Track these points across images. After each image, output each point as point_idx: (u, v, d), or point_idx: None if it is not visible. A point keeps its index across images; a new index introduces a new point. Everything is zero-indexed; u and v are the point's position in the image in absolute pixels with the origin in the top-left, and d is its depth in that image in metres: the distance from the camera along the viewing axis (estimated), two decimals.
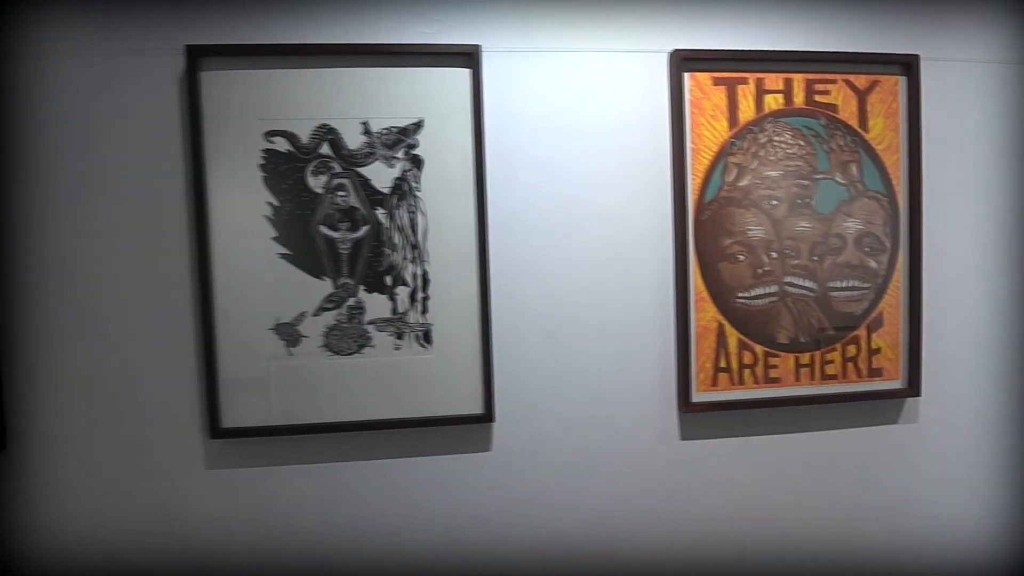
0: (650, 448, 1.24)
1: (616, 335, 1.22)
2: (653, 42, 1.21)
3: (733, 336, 1.24)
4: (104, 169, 1.13)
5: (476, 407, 1.19)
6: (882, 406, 1.29)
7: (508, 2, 1.18)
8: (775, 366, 1.25)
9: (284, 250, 1.15)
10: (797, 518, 1.28)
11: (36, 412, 1.14)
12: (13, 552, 1.14)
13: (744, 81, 1.23)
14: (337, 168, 1.15)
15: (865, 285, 1.27)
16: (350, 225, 1.15)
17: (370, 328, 1.16)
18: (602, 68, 1.20)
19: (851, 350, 1.27)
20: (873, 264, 1.27)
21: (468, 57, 1.15)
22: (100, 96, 1.13)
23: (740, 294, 1.24)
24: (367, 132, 1.15)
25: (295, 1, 1.15)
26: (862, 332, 1.27)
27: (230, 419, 1.14)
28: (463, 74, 1.16)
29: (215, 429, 1.13)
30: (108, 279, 1.14)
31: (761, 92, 1.23)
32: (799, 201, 1.24)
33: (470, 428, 1.20)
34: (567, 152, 1.20)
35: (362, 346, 1.16)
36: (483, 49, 1.16)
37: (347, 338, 1.16)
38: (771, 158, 1.24)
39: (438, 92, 1.16)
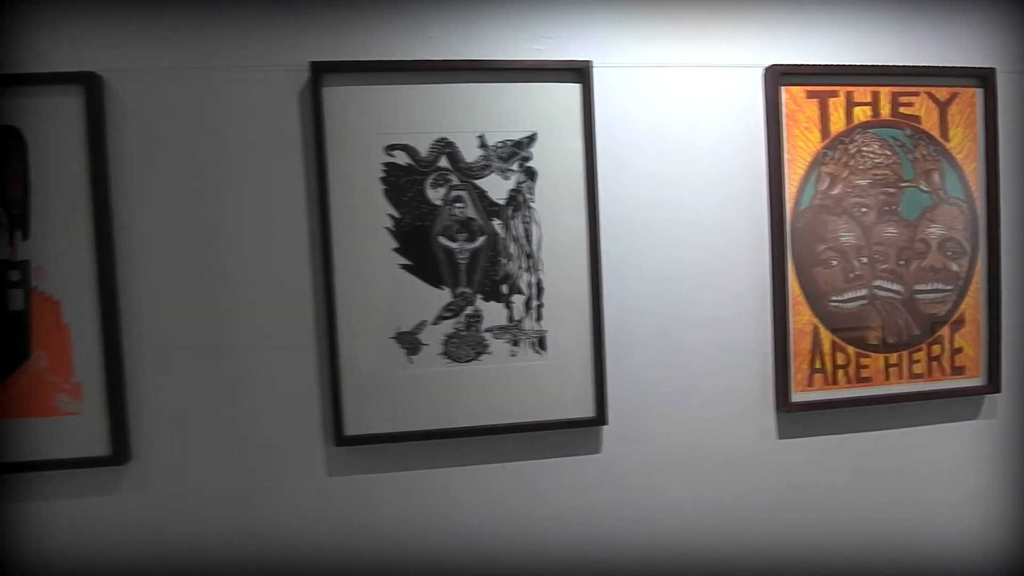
0: (750, 447, 1.29)
1: (716, 338, 1.27)
2: (749, 58, 1.26)
3: (827, 338, 1.29)
4: (228, 183, 1.15)
5: (588, 410, 1.22)
6: (964, 403, 1.35)
7: (615, 20, 1.22)
8: (866, 366, 1.31)
9: (404, 261, 1.18)
10: (889, 513, 1.33)
11: (160, 424, 1.15)
12: (139, 562, 1.15)
13: (835, 94, 1.28)
14: (455, 180, 1.18)
15: (948, 287, 1.33)
16: (468, 236, 1.19)
17: (487, 336, 1.20)
18: (702, 82, 1.25)
19: (935, 350, 1.33)
20: (955, 267, 1.33)
21: (579, 72, 1.19)
22: (223, 111, 1.15)
23: (833, 297, 1.29)
24: (483, 145, 1.19)
25: (411, 18, 1.18)
26: (945, 332, 1.33)
27: (353, 427, 1.17)
28: (574, 89, 1.20)
29: (339, 437, 1.16)
30: (233, 290, 1.16)
31: (851, 105, 1.29)
32: (886, 208, 1.30)
33: (581, 431, 1.23)
34: (670, 162, 1.24)
35: (479, 353, 1.20)
36: (593, 65, 1.20)
37: (465, 346, 1.19)
38: (860, 167, 1.29)
39: (550, 106, 1.20)
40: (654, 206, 1.24)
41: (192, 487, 1.17)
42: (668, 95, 1.24)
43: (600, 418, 1.22)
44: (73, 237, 1.12)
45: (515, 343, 1.20)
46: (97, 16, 1.13)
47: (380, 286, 1.17)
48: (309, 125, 1.16)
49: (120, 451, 1.13)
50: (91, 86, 1.11)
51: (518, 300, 1.20)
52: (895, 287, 1.31)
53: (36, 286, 1.12)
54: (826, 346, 1.29)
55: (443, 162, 1.18)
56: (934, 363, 1.33)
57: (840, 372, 1.30)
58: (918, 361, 1.33)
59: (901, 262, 1.31)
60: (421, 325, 1.18)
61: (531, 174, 1.20)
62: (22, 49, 1.12)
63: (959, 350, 1.34)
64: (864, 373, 1.31)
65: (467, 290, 1.19)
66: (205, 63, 1.14)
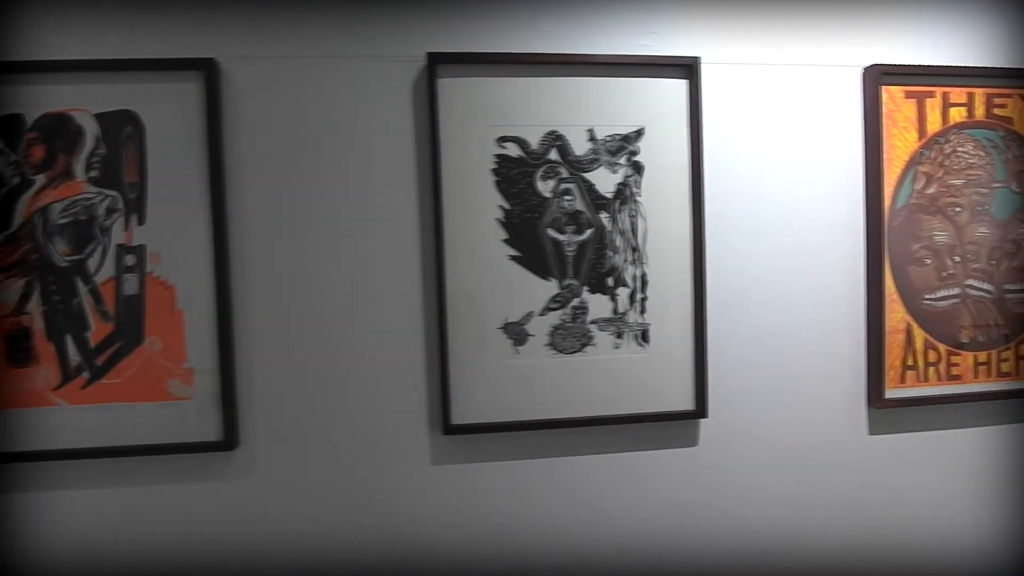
0: (842, 443, 1.30)
1: (812, 334, 1.28)
2: (849, 57, 1.27)
3: (920, 336, 1.31)
4: (340, 172, 1.16)
5: (688, 403, 1.23)
6: None
7: (722, 17, 1.23)
8: (956, 364, 1.32)
9: (513, 252, 1.18)
10: (982, 510, 1.35)
11: (268, 411, 1.16)
12: (244, 546, 1.16)
13: (932, 95, 1.30)
14: (564, 173, 1.19)
15: None
16: (575, 228, 1.20)
17: (592, 328, 1.21)
18: (802, 81, 1.26)
19: (1023, 349, 1.35)
20: None
21: (687, 68, 1.21)
22: (337, 100, 1.15)
23: (926, 296, 1.31)
24: (592, 139, 1.19)
25: (525, 12, 1.18)
26: None
27: (460, 416, 1.18)
28: (682, 85, 1.21)
29: (447, 426, 1.17)
30: (343, 279, 1.16)
31: (947, 105, 1.30)
32: (978, 208, 1.32)
33: (679, 424, 1.24)
34: (771, 160, 1.25)
35: (584, 345, 1.20)
36: (701, 61, 1.21)
37: (571, 337, 1.20)
38: (955, 167, 1.31)
39: (658, 101, 1.21)
40: (756, 202, 1.25)
41: (298, 474, 1.17)
42: (771, 93, 1.25)
43: (700, 411, 1.23)
44: (188, 223, 1.13)
45: (619, 335, 1.21)
46: (215, 3, 1.13)
47: (489, 277, 1.18)
48: (423, 115, 1.16)
49: (230, 437, 1.14)
50: (210, 73, 1.11)
51: (623, 293, 1.21)
52: (986, 286, 1.33)
53: (151, 271, 1.13)
54: (918, 344, 1.31)
55: (553, 155, 1.19)
56: (1022, 362, 1.35)
57: (931, 370, 1.31)
58: (1006, 360, 1.34)
59: (992, 261, 1.33)
60: (528, 316, 1.19)
61: (638, 168, 1.21)
62: (142, 34, 1.12)
63: None
64: (954, 371, 1.32)
65: (574, 282, 1.20)
66: (321, 52, 1.15)
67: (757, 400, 1.27)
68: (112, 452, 1.13)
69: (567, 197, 1.19)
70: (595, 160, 1.20)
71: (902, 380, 1.30)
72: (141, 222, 1.12)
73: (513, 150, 1.18)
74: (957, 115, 1.31)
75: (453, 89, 1.16)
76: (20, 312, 1.11)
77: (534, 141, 1.18)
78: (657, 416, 1.22)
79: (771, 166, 1.26)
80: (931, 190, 1.30)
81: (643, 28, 1.21)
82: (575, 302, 1.20)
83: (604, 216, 1.20)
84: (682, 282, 1.22)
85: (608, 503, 1.24)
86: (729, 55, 1.23)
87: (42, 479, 1.13)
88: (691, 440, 1.26)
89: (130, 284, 1.13)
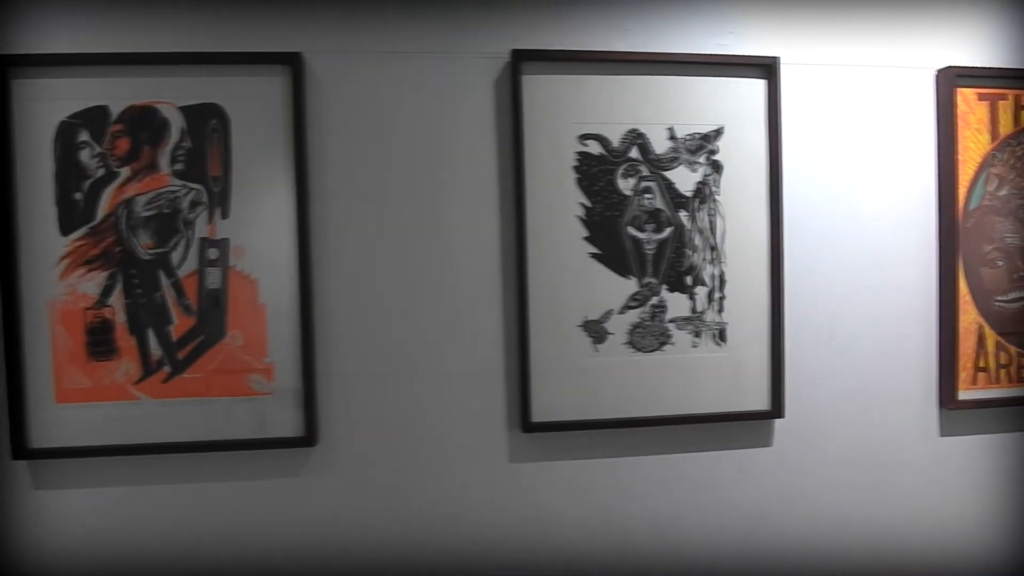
0: (914, 444, 1.30)
1: (884, 335, 1.28)
2: (923, 59, 1.28)
3: (991, 337, 1.31)
4: (421, 168, 1.16)
5: (763, 403, 1.23)
6: None
7: (800, 17, 1.23)
8: None
9: (594, 249, 1.18)
10: None
11: (346, 407, 1.15)
12: (321, 543, 1.15)
13: (1004, 97, 1.30)
14: (645, 171, 1.19)
15: None
16: (655, 226, 1.20)
17: (671, 326, 1.20)
18: (877, 82, 1.26)
19: None
20: None
21: (767, 68, 1.21)
22: (419, 96, 1.15)
23: (998, 297, 1.31)
24: (672, 137, 1.20)
25: (607, 10, 1.19)
26: None
27: (539, 414, 1.17)
28: (761, 84, 1.21)
29: (526, 424, 1.16)
30: (423, 274, 1.16)
31: (1019, 107, 1.31)
32: None
33: (755, 424, 1.24)
34: (846, 160, 1.26)
35: (663, 343, 1.20)
36: (781, 62, 1.21)
37: (649, 335, 1.20)
38: None
39: (737, 101, 1.21)
40: (831, 203, 1.25)
41: (376, 471, 1.16)
42: (846, 93, 1.26)
43: (776, 411, 1.22)
44: (272, 217, 1.12)
45: (697, 334, 1.21)
46: None
47: (570, 274, 1.18)
48: (505, 112, 1.16)
49: (310, 433, 1.13)
50: (296, 67, 1.11)
51: (701, 292, 1.21)
52: None
53: (234, 265, 1.12)
54: (990, 345, 1.31)
55: (634, 153, 1.19)
56: None
57: (1003, 371, 1.31)
58: None
59: None
60: (608, 314, 1.19)
61: (717, 167, 1.21)
62: (228, 28, 1.12)
63: None
64: None
65: (653, 280, 1.20)
66: (405, 48, 1.15)
67: (831, 400, 1.26)
68: (192, 447, 1.12)
69: (647, 195, 1.19)
70: (675, 159, 1.20)
71: (973, 382, 1.30)
72: (225, 216, 1.12)
73: (594, 148, 1.18)
74: None
75: (537, 86, 1.16)
76: (102, 305, 1.11)
77: (615, 139, 1.18)
78: (733, 416, 1.22)
79: (846, 166, 1.26)
80: (1003, 192, 1.30)
81: (722, 28, 1.22)
82: (654, 300, 1.20)
83: (683, 215, 1.20)
84: (759, 282, 1.22)
85: (682, 502, 1.23)
86: (807, 55, 1.23)
87: (123, 474, 1.12)
88: (765, 440, 1.25)
89: (213, 278, 1.12)
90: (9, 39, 1.09)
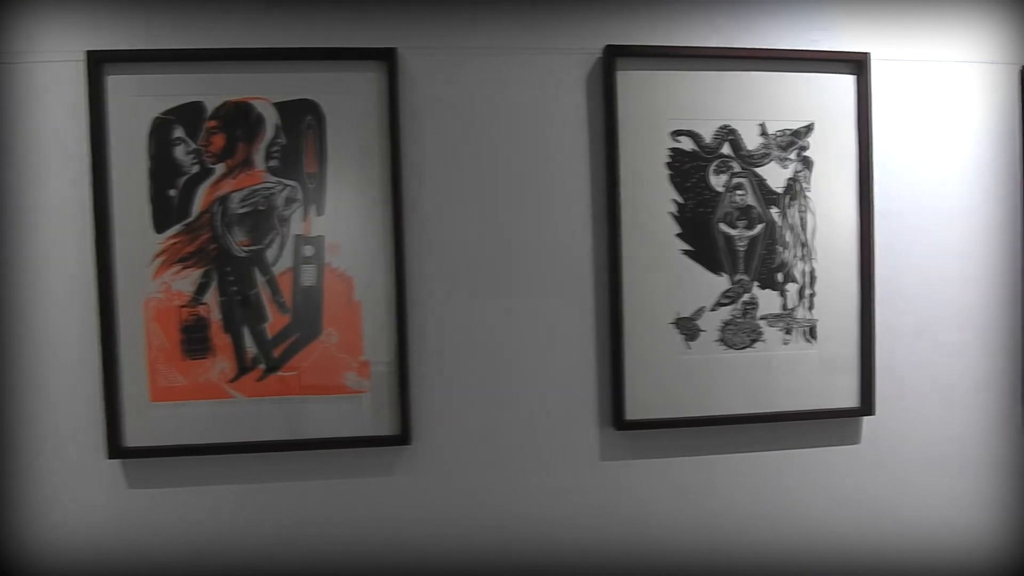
0: (1001, 442, 1.29)
1: (971, 335, 1.27)
2: (1006, 55, 1.27)
3: None
4: (514, 164, 1.15)
5: (853, 400, 1.22)
6: None
7: (890, 13, 1.23)
8: None
9: (686, 246, 1.18)
10: None
11: (439, 405, 1.15)
12: (414, 541, 1.15)
13: None
14: (736, 168, 1.18)
15: None
16: (747, 223, 1.19)
17: (762, 323, 1.20)
18: (962, 77, 1.26)
19: None
20: None
21: (857, 64, 1.20)
22: (514, 92, 1.15)
23: None
24: (764, 133, 1.19)
25: (697, 6, 1.18)
26: None
27: (632, 411, 1.16)
28: (850, 80, 1.21)
29: (619, 421, 1.15)
30: (515, 271, 1.15)
31: None
32: None
33: (843, 421, 1.24)
34: (935, 155, 1.25)
35: (754, 341, 1.20)
36: (872, 57, 1.20)
37: (741, 333, 1.19)
38: None
39: (828, 97, 1.20)
40: (921, 199, 1.25)
41: (469, 469, 1.16)
42: (934, 89, 1.25)
43: (867, 408, 1.22)
44: (367, 214, 1.12)
45: (788, 331, 1.20)
46: None
47: (662, 272, 1.17)
48: (596, 108, 1.16)
49: (405, 431, 1.12)
50: (391, 63, 1.10)
51: (792, 289, 1.20)
52: None
53: (329, 262, 1.12)
54: None
55: (726, 149, 1.18)
56: None
57: None
58: None
59: None
60: (700, 311, 1.18)
61: (808, 163, 1.20)
62: (323, 23, 1.11)
63: None
64: None
65: (744, 277, 1.19)
66: (498, 44, 1.14)
67: (920, 397, 1.26)
68: (286, 446, 1.11)
69: (739, 192, 1.19)
70: (766, 155, 1.19)
71: None
72: (320, 212, 1.11)
73: (687, 144, 1.17)
74: None
75: (630, 82, 1.15)
76: (197, 303, 1.10)
77: (707, 135, 1.18)
78: (822, 413, 1.21)
79: (935, 161, 1.25)
80: None
81: (813, 24, 1.21)
82: (745, 297, 1.19)
83: (774, 211, 1.20)
84: (848, 278, 1.21)
85: (771, 500, 1.22)
86: (897, 51, 1.23)
87: (217, 473, 1.12)
88: (854, 438, 1.25)
89: (308, 275, 1.11)
90: (104, 35, 1.08)
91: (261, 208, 1.10)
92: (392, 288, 1.12)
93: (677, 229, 1.17)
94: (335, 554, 1.13)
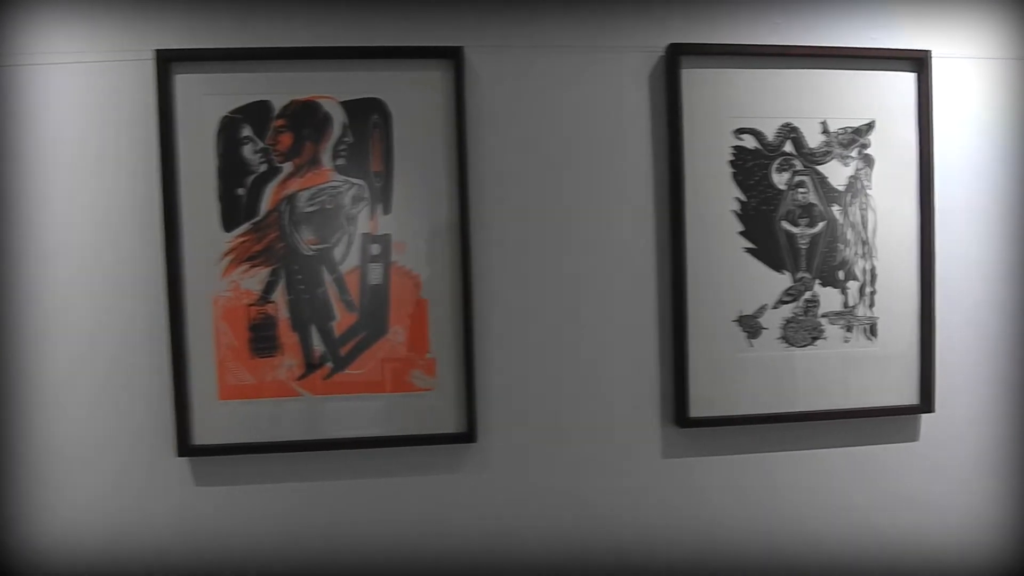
0: None
1: None
2: None
3: None
4: (577, 162, 1.15)
5: (913, 398, 1.23)
6: None
7: (953, 10, 1.23)
8: None
9: (748, 244, 1.18)
10: None
11: (503, 403, 1.15)
12: (480, 537, 1.15)
13: None
14: (798, 166, 1.19)
15: None
16: (808, 221, 1.19)
17: (823, 321, 1.20)
18: (1021, 75, 1.26)
19: None
20: None
21: (917, 62, 1.20)
22: (578, 90, 1.15)
23: None
24: (825, 131, 1.19)
25: (757, 4, 1.18)
26: None
27: (695, 409, 1.17)
28: (911, 77, 1.21)
29: (683, 419, 1.16)
30: (578, 270, 1.16)
31: None
32: None
33: (902, 419, 1.24)
34: (997, 152, 1.25)
35: (815, 338, 1.20)
36: (933, 55, 1.20)
37: (802, 330, 1.19)
38: None
39: (889, 94, 1.20)
40: (981, 196, 1.25)
41: (533, 466, 1.16)
42: (996, 86, 1.25)
43: (926, 406, 1.22)
44: (433, 213, 1.12)
45: (848, 329, 1.21)
46: None
47: (725, 269, 1.17)
48: (659, 106, 1.16)
49: (471, 429, 1.12)
50: (457, 61, 1.10)
51: (853, 286, 1.21)
52: None
53: (396, 260, 1.12)
54: None
55: (788, 147, 1.18)
56: None
57: None
58: None
59: None
60: (762, 309, 1.18)
61: (869, 161, 1.20)
62: (389, 21, 1.11)
63: None
64: None
65: (806, 275, 1.19)
66: (563, 42, 1.14)
67: (980, 395, 1.26)
68: (353, 444, 1.11)
69: (801, 190, 1.19)
70: (828, 152, 1.19)
71: None
72: (386, 211, 1.11)
73: (749, 142, 1.17)
74: None
75: (694, 80, 1.15)
76: (265, 301, 1.10)
77: (770, 133, 1.18)
78: (883, 411, 1.22)
79: (996, 160, 1.25)
80: None
81: (873, 21, 1.21)
82: (807, 295, 1.19)
83: (836, 209, 1.20)
84: (909, 276, 1.22)
85: (830, 498, 1.23)
86: (958, 49, 1.23)
87: (283, 471, 1.12)
88: (912, 435, 1.25)
89: (375, 274, 1.12)
90: (173, 35, 1.08)
91: (328, 207, 1.11)
92: (458, 286, 1.12)
93: (740, 227, 1.17)
94: (401, 551, 1.14)
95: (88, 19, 1.08)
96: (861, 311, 1.21)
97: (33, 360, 1.08)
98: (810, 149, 1.19)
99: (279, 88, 1.10)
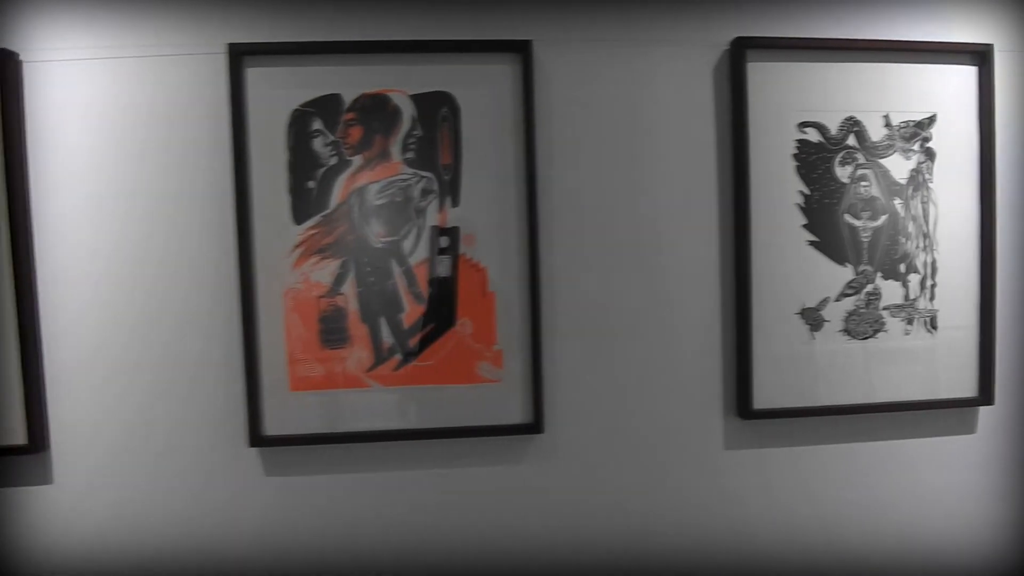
0: None
1: None
2: None
3: None
4: (645, 154, 1.16)
5: (971, 390, 1.23)
6: None
7: (1015, 4, 1.23)
8: None
9: (812, 237, 1.18)
10: None
11: (569, 395, 1.16)
12: (545, 527, 1.16)
13: None
14: (861, 159, 1.19)
15: None
16: (871, 214, 1.20)
17: (884, 314, 1.21)
18: None
19: None
20: None
21: (979, 55, 1.20)
22: (638, 83, 1.15)
23: None
24: (887, 125, 1.19)
25: None
26: None
27: (759, 401, 1.18)
28: (972, 71, 1.21)
29: (745, 410, 1.17)
30: (643, 261, 1.17)
31: None
32: None
33: (960, 412, 1.24)
34: None
35: (876, 331, 1.20)
36: (996, 49, 1.20)
37: (864, 323, 1.20)
38: None
39: (951, 88, 1.21)
40: None
41: (597, 457, 1.17)
42: None
43: (986, 398, 1.23)
44: (501, 205, 1.13)
45: (909, 321, 1.21)
46: None
47: (789, 262, 1.18)
48: (723, 99, 1.17)
49: (538, 420, 1.13)
50: (526, 55, 1.11)
51: (914, 279, 1.21)
52: None
53: (464, 253, 1.13)
54: None
55: (851, 140, 1.19)
56: None
57: None
58: None
59: None
60: (824, 302, 1.19)
61: (930, 155, 1.21)
62: (457, 15, 1.12)
63: None
64: None
65: (868, 268, 1.20)
66: (629, 36, 1.15)
67: None
68: (421, 435, 1.12)
69: (864, 183, 1.19)
70: (890, 146, 1.20)
71: None
72: (455, 204, 1.12)
73: (813, 135, 1.18)
74: None
75: (759, 74, 1.16)
76: (335, 293, 1.11)
77: (833, 127, 1.18)
78: (943, 403, 1.22)
79: None
80: None
81: (935, 14, 1.21)
82: (869, 288, 1.20)
83: (897, 202, 1.20)
84: (970, 269, 1.22)
85: (888, 489, 1.24)
86: (1021, 42, 1.23)
87: (350, 461, 1.13)
88: (970, 428, 1.26)
89: (443, 266, 1.12)
90: (243, 29, 1.09)
91: (398, 199, 1.11)
92: (525, 279, 1.13)
93: (803, 220, 1.18)
94: (468, 541, 1.15)
95: (161, 14, 1.09)
96: (922, 304, 1.22)
97: (110, 351, 1.09)
98: (873, 142, 1.19)
99: (349, 82, 1.10)
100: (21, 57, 1.07)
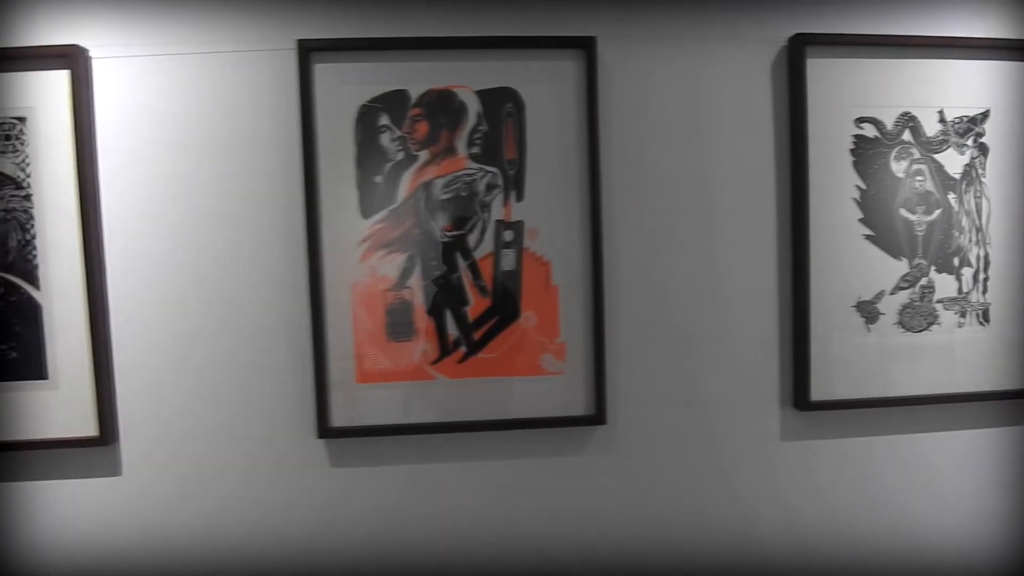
0: None
1: None
2: None
3: None
4: (703, 149, 1.17)
5: (1021, 383, 1.25)
6: None
7: None
8: None
9: (868, 231, 1.20)
10: None
11: (631, 388, 1.18)
12: (606, 518, 1.18)
13: None
14: (916, 154, 1.21)
15: None
16: (925, 208, 1.21)
17: (938, 307, 1.22)
18: None
19: None
20: None
21: None
22: (699, 79, 1.17)
23: None
24: (942, 120, 1.21)
25: None
26: None
27: (816, 392, 1.19)
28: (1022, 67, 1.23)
29: (802, 402, 1.18)
30: (704, 255, 1.18)
31: None
32: None
33: (1013, 403, 1.26)
34: None
35: (930, 324, 1.22)
36: None
37: (918, 316, 1.22)
38: None
39: (1004, 83, 1.22)
40: None
41: (657, 449, 1.19)
42: None
43: None
44: (565, 200, 1.14)
45: (962, 315, 1.23)
46: None
47: (845, 256, 1.19)
48: (781, 96, 1.18)
49: (600, 412, 1.15)
50: (590, 51, 1.12)
51: (967, 273, 1.23)
52: None
53: (528, 247, 1.14)
54: None
55: (906, 135, 1.20)
56: None
57: None
58: None
59: None
60: (880, 295, 1.21)
61: (984, 150, 1.22)
62: (523, 11, 1.13)
63: None
64: None
65: (922, 261, 1.22)
66: (687, 33, 1.16)
67: None
68: (486, 426, 1.14)
69: (918, 178, 1.21)
70: (944, 141, 1.21)
71: None
72: (520, 198, 1.14)
73: (869, 131, 1.19)
74: None
75: (816, 70, 1.17)
76: (401, 287, 1.13)
77: (889, 122, 1.20)
78: (994, 395, 1.24)
79: None
80: None
81: (988, 11, 1.23)
82: (923, 281, 1.22)
83: (951, 197, 1.22)
84: (1022, 262, 1.24)
85: (944, 481, 1.25)
86: None
87: (415, 452, 1.15)
88: (1017, 419, 1.28)
89: (508, 260, 1.14)
90: (313, 25, 1.10)
91: (463, 194, 1.13)
92: (588, 273, 1.14)
93: (859, 214, 1.20)
94: (531, 532, 1.17)
95: (231, 10, 1.10)
96: (975, 297, 1.23)
97: (180, 345, 1.10)
98: (927, 138, 1.21)
99: (416, 77, 1.12)
100: (91, 53, 1.08)
